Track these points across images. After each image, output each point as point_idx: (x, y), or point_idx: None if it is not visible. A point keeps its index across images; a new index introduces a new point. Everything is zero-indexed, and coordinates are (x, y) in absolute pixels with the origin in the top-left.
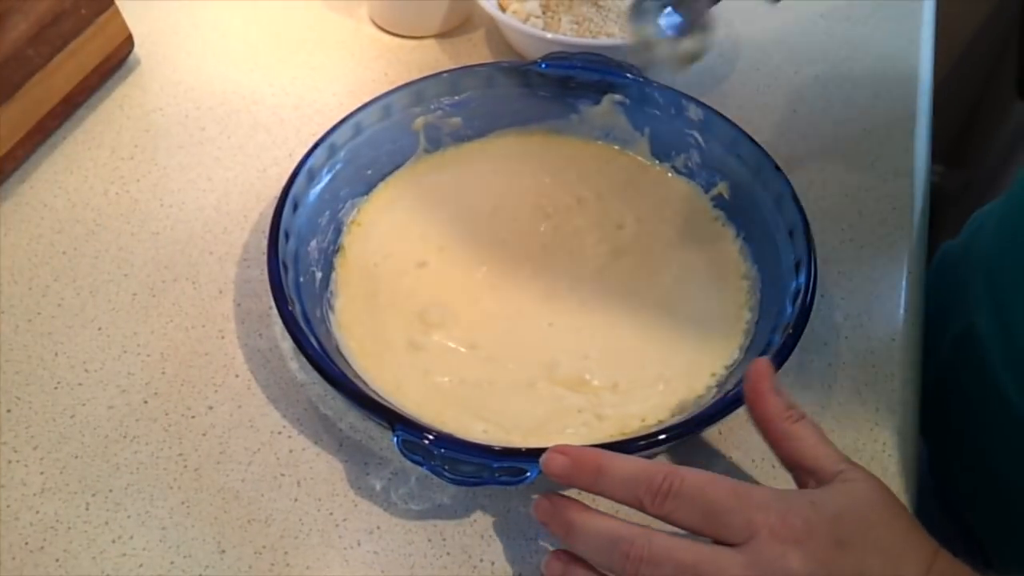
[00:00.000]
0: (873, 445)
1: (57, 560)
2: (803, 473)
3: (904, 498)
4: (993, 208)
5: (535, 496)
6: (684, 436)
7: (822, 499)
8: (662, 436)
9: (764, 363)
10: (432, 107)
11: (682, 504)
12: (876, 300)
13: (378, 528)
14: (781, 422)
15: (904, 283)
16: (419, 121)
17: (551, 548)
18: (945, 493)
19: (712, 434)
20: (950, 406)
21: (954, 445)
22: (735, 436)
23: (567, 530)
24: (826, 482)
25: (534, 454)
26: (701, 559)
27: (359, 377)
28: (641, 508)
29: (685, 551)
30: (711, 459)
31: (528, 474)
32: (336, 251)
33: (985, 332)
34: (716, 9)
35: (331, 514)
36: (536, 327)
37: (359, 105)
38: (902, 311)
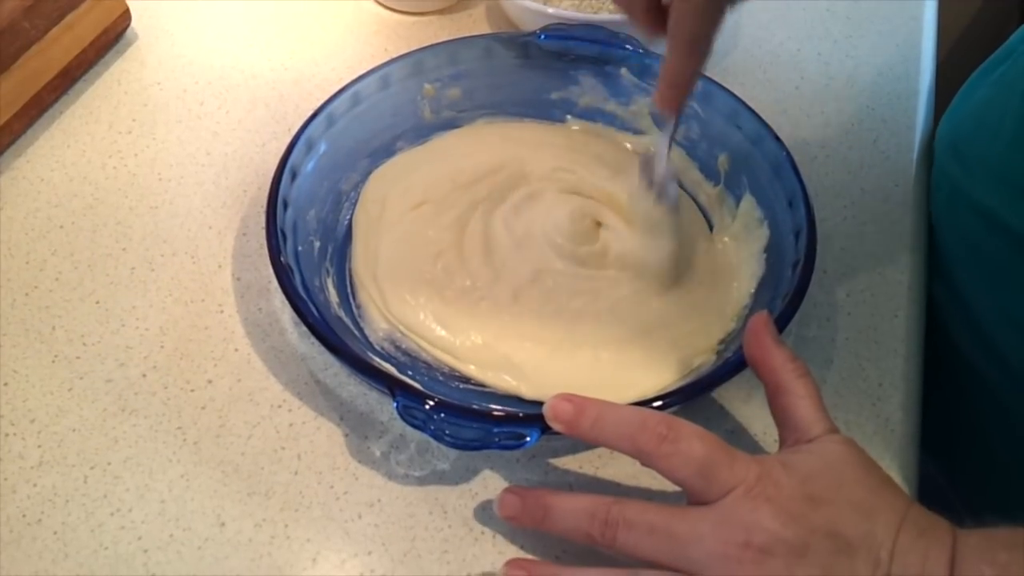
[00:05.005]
0: (876, 420)
1: (55, 532)
2: (787, 430)
3: (907, 472)
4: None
5: (497, 496)
6: (682, 403)
7: (794, 460)
8: (658, 403)
9: (764, 316)
10: (431, 78)
11: (680, 449)
12: (879, 276)
13: (379, 501)
14: (785, 374)
15: (907, 259)
16: (428, 88)
17: None
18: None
19: (711, 407)
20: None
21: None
22: (735, 408)
23: (544, 513)
24: (804, 444)
25: (533, 420)
26: (672, 518)
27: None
28: (638, 453)
29: (657, 512)
30: (709, 429)
31: (528, 439)
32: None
33: (938, 295)
34: None
35: (332, 487)
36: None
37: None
38: (905, 287)
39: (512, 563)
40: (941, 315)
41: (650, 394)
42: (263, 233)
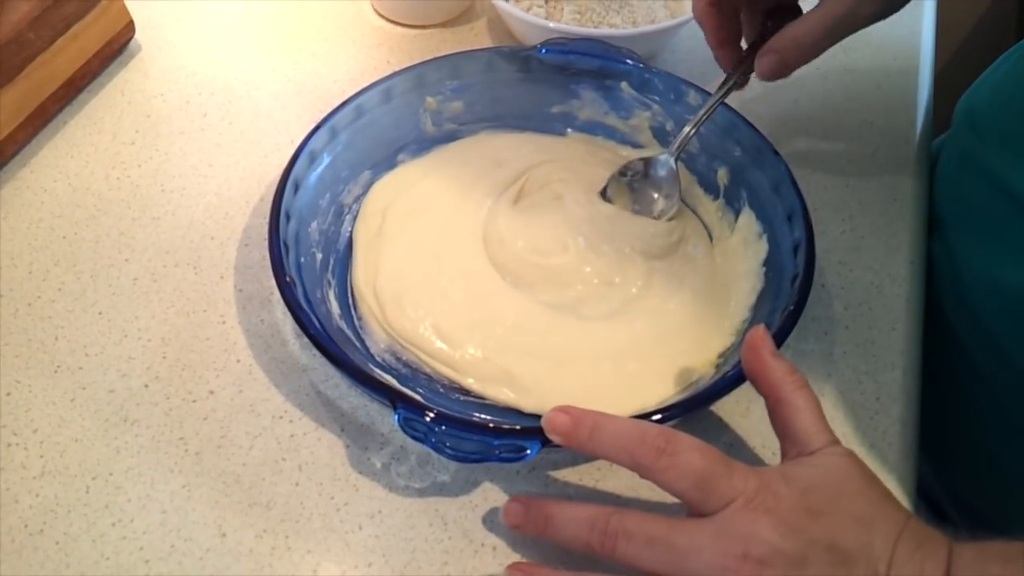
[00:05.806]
0: (873, 433)
1: (57, 543)
2: (788, 443)
3: (905, 485)
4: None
5: (503, 505)
6: (681, 416)
7: (794, 472)
8: (657, 417)
9: (761, 330)
10: (433, 91)
11: (678, 463)
12: (877, 290)
13: (379, 512)
14: (783, 387)
15: (905, 272)
16: (431, 101)
17: None
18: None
19: (710, 420)
20: None
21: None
22: (734, 421)
23: (547, 522)
24: (805, 457)
25: (533, 432)
26: (672, 529)
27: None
28: (636, 466)
29: (656, 523)
30: (708, 443)
31: (528, 451)
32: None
33: (934, 257)
34: None
35: (332, 498)
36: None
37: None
38: (903, 300)
39: (513, 567)
40: (935, 279)
41: (649, 407)
42: (265, 244)
